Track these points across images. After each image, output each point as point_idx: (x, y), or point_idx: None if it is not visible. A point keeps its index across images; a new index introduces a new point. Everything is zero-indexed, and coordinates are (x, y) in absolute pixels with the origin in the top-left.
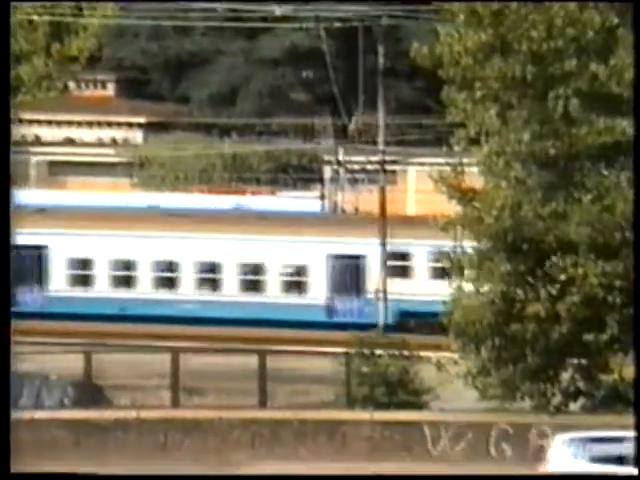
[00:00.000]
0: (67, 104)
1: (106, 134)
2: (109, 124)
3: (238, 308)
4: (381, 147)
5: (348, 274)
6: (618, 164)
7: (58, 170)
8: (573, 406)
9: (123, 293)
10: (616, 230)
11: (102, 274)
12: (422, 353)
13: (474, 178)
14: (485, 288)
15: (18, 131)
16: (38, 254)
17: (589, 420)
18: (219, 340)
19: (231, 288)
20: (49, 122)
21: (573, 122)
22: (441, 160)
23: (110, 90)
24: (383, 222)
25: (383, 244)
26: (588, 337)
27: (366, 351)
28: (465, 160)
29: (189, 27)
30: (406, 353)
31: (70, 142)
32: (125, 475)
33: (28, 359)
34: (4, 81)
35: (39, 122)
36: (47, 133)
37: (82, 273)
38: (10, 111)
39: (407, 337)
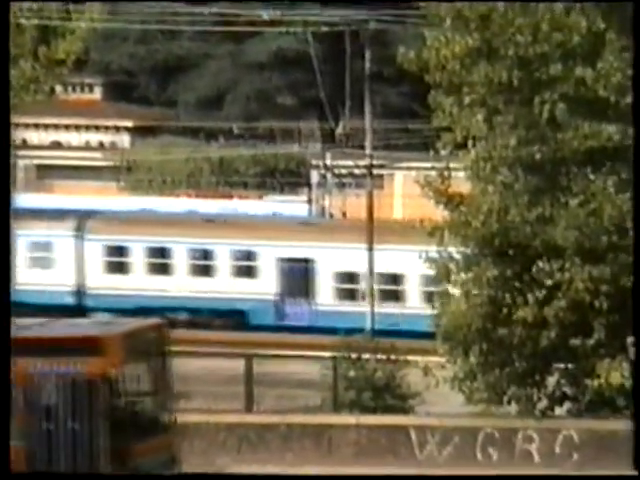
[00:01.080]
0: (54, 107)
1: (93, 138)
2: (96, 128)
3: None
4: (368, 151)
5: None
6: (605, 169)
7: (45, 174)
8: (559, 410)
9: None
10: (603, 234)
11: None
12: (409, 357)
13: (461, 183)
14: (473, 293)
15: None
16: (305, 267)
17: (575, 424)
18: (205, 344)
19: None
20: (36, 125)
21: (559, 127)
22: (428, 165)
23: (97, 94)
24: (370, 227)
25: (370, 249)
26: (575, 342)
27: (353, 355)
28: (452, 165)
29: (176, 31)
30: (393, 357)
31: (57, 145)
32: (126, 475)
33: None
34: (4, 81)
35: (26, 125)
36: (34, 136)
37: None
38: (10, 112)
39: (394, 341)
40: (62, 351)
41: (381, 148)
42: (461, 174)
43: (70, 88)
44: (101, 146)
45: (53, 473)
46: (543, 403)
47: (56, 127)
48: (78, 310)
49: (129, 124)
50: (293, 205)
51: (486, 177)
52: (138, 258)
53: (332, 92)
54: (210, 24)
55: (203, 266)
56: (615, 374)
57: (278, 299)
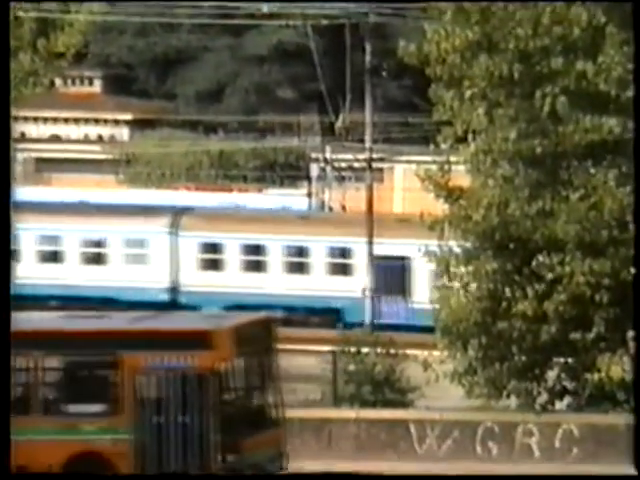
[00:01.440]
0: (53, 100)
1: (92, 131)
2: (95, 121)
3: None
4: (368, 145)
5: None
6: (606, 162)
7: (44, 167)
8: (559, 405)
9: None
10: (603, 228)
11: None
12: (408, 351)
13: (461, 176)
14: (472, 287)
15: None
16: (401, 264)
17: (575, 418)
18: None
19: None
20: (35, 118)
21: (560, 120)
22: (428, 158)
23: (97, 87)
24: (370, 220)
25: (370, 242)
26: (575, 336)
27: (353, 349)
28: (452, 158)
29: (176, 24)
30: (393, 351)
31: (56, 139)
32: (126, 475)
33: None
34: (4, 80)
35: (25, 119)
36: (33, 130)
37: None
38: (10, 109)
39: (394, 335)
40: (172, 345)
41: (381, 141)
42: (461, 168)
43: (69, 81)
44: (100, 139)
45: (53, 473)
46: (543, 397)
47: (55, 120)
48: (172, 308)
49: (128, 117)
50: (293, 199)
51: (486, 171)
52: (233, 255)
53: (332, 85)
54: (209, 17)
55: (298, 263)
56: (616, 368)
57: (374, 297)
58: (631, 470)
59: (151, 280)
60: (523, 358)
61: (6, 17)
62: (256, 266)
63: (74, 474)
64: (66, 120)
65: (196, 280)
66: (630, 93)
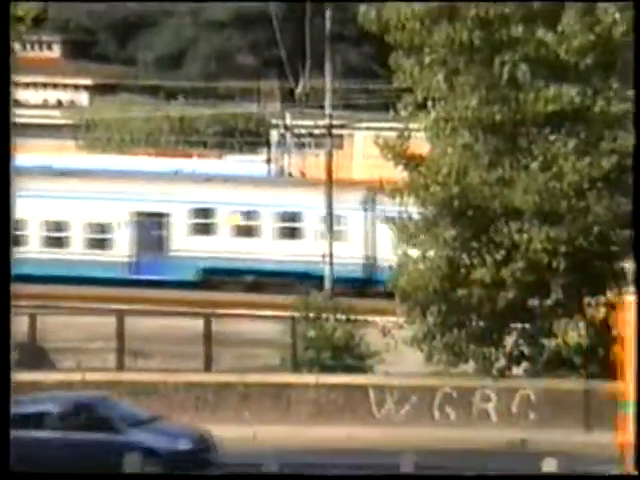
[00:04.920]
0: (12, 65)
1: (52, 96)
2: (55, 85)
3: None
4: (328, 111)
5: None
6: (565, 130)
7: None
8: (516, 370)
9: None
10: (562, 198)
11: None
12: (368, 317)
13: (421, 143)
14: (431, 253)
15: None
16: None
17: (532, 384)
18: (165, 303)
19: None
20: None
21: (520, 88)
22: (388, 125)
23: (56, 51)
24: (329, 186)
25: (330, 207)
26: (532, 302)
27: (312, 315)
28: (412, 125)
29: None
30: (352, 317)
31: (15, 104)
32: (125, 475)
33: None
34: (4, 80)
35: None
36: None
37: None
38: (10, 108)
39: (354, 301)
40: None
41: (341, 108)
42: (421, 135)
43: (28, 46)
44: (60, 104)
45: (53, 473)
46: (501, 362)
47: (15, 85)
48: (368, 284)
49: (88, 82)
50: (252, 165)
51: (446, 138)
52: None
53: (292, 51)
54: None
55: None
56: (572, 334)
57: None
58: (583, 435)
59: (347, 256)
60: (481, 324)
61: (6, 17)
62: None
63: (75, 474)
64: (26, 85)
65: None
66: (589, 61)
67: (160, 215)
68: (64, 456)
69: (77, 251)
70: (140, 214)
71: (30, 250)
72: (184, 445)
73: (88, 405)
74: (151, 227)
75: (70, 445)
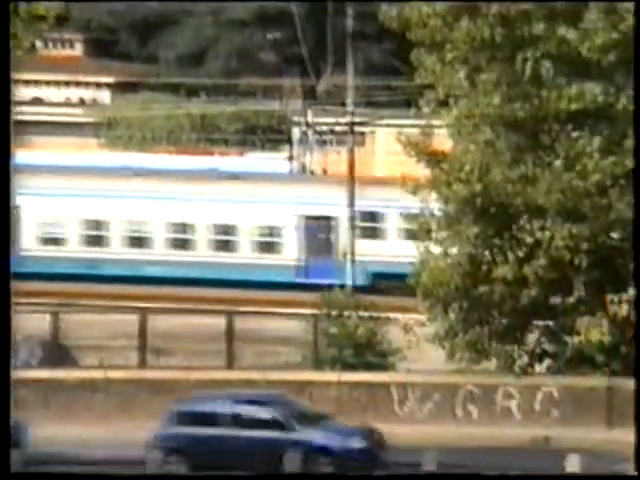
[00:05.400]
0: (35, 63)
1: (74, 94)
2: (77, 84)
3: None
4: (350, 108)
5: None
6: (588, 127)
7: (25, 130)
8: (539, 367)
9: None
10: (586, 197)
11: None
12: (390, 315)
13: (443, 140)
14: (453, 250)
15: None
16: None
17: (554, 381)
18: (187, 301)
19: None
20: (16, 81)
21: (542, 85)
22: (410, 122)
23: (78, 50)
24: (351, 183)
25: (351, 205)
26: (555, 299)
27: (334, 312)
28: (434, 122)
29: None
30: (374, 315)
31: (38, 102)
32: (125, 475)
33: None
34: (4, 80)
35: None
36: (14, 92)
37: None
38: (11, 108)
39: (376, 299)
40: None
41: (363, 105)
42: (443, 131)
43: (51, 44)
44: (82, 102)
45: (53, 473)
46: (523, 360)
47: (36, 83)
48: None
49: (110, 80)
50: (274, 162)
51: (468, 135)
52: None
53: (314, 49)
54: None
55: None
56: (595, 331)
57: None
58: (605, 432)
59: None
60: (503, 321)
61: (6, 17)
62: None
63: (75, 474)
64: (47, 83)
65: None
66: (612, 58)
67: (328, 218)
68: (236, 453)
69: (247, 255)
70: (309, 217)
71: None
72: (357, 443)
73: (261, 403)
74: (319, 230)
75: (242, 443)
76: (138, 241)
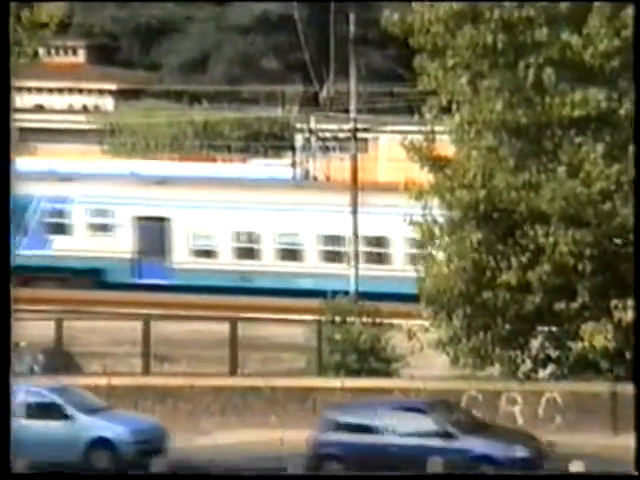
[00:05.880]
0: (37, 70)
1: (77, 101)
2: (80, 91)
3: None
4: (353, 115)
5: None
6: (591, 133)
7: (28, 137)
8: (542, 373)
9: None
10: (590, 204)
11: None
12: (394, 321)
13: (446, 146)
14: (456, 256)
15: None
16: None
17: (558, 387)
18: (191, 307)
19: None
20: (19, 88)
21: (545, 91)
22: (413, 128)
23: (81, 57)
24: (355, 190)
25: (355, 212)
26: (558, 305)
27: (338, 318)
28: (437, 128)
29: None
30: (378, 320)
31: (40, 109)
32: (125, 475)
33: None
34: (4, 80)
35: None
36: (17, 100)
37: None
38: (10, 109)
39: (379, 305)
40: None
41: (365, 111)
42: (446, 137)
43: (53, 51)
44: (85, 109)
45: (53, 473)
46: (527, 366)
47: (39, 90)
48: None
49: (113, 87)
50: (277, 168)
51: (471, 141)
52: None
53: (316, 55)
54: None
55: None
56: (599, 337)
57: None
58: (610, 438)
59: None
60: (507, 327)
61: (6, 17)
62: None
63: (75, 474)
64: (50, 90)
65: None
66: (615, 64)
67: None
68: (400, 462)
69: (399, 267)
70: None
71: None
72: (521, 453)
73: (418, 410)
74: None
75: (406, 451)
76: (290, 253)
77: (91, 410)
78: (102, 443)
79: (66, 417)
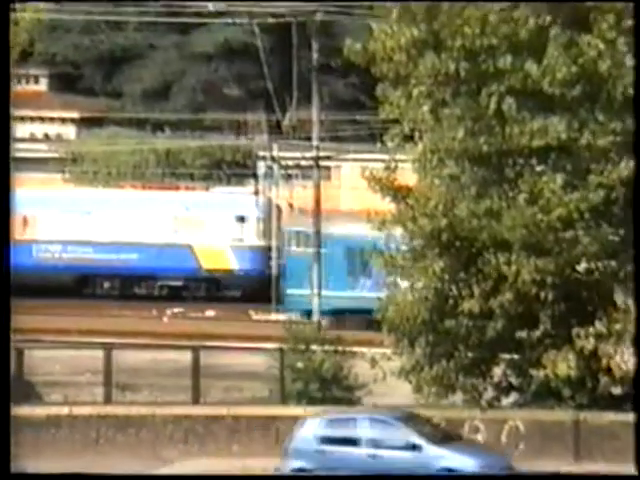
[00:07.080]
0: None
1: (38, 129)
2: (41, 119)
3: None
4: (315, 143)
5: None
6: (551, 162)
7: None
8: (505, 401)
9: None
10: (550, 231)
11: None
12: (356, 349)
13: (408, 175)
14: (419, 284)
15: None
16: None
17: (521, 415)
18: (152, 336)
19: None
20: None
21: (506, 120)
22: (375, 156)
23: (43, 85)
24: (317, 217)
25: (318, 239)
26: (521, 333)
27: (300, 347)
28: (399, 157)
29: (122, 22)
30: (340, 349)
31: None
32: (125, 475)
33: None
34: (4, 80)
35: None
36: None
37: None
38: (10, 110)
39: (342, 333)
40: None
41: (328, 139)
42: (408, 166)
43: (15, 79)
44: (47, 137)
45: (53, 473)
46: (489, 393)
47: None
48: None
49: (75, 115)
50: (240, 197)
51: (433, 170)
52: None
53: (279, 83)
54: (156, 15)
55: None
56: (561, 365)
57: None
58: (573, 465)
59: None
60: (470, 355)
61: (6, 17)
62: None
63: (74, 474)
64: (12, 119)
65: None
66: (575, 92)
67: None
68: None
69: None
70: None
71: None
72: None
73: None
74: None
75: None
76: None
77: None
78: None
79: None
